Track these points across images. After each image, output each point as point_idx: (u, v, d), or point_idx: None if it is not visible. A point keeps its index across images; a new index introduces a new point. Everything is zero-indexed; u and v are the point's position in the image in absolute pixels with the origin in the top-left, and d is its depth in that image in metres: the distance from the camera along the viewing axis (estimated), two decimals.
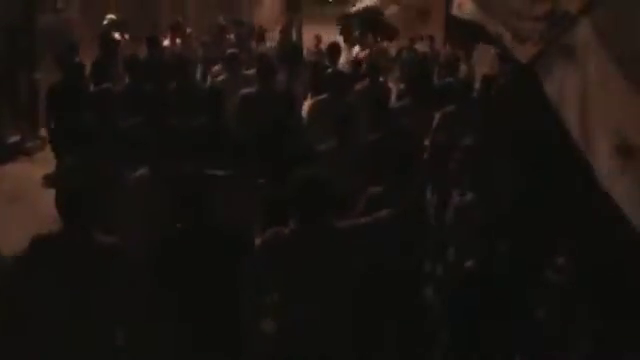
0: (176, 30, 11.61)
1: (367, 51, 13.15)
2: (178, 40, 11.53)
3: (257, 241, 4.10)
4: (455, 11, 6.40)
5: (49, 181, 8.05)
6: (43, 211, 7.22)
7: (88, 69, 8.61)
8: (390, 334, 5.06)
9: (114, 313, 4.08)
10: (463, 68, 10.10)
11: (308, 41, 14.74)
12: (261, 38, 12.49)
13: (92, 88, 8.12)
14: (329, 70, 8.86)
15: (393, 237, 4.43)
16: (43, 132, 10.07)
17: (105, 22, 11.32)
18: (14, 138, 10.16)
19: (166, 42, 11.32)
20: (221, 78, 8.60)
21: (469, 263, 4.33)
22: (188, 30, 12.71)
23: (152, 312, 4.11)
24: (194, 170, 4.54)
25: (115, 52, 9.73)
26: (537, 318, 4.42)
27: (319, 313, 3.89)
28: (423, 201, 5.49)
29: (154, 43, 9.93)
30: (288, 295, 3.96)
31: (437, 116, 7.07)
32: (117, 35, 10.94)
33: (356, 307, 4.04)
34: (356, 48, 13.78)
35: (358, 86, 8.33)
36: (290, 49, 10.40)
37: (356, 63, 10.43)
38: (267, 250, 3.95)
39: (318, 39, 13.99)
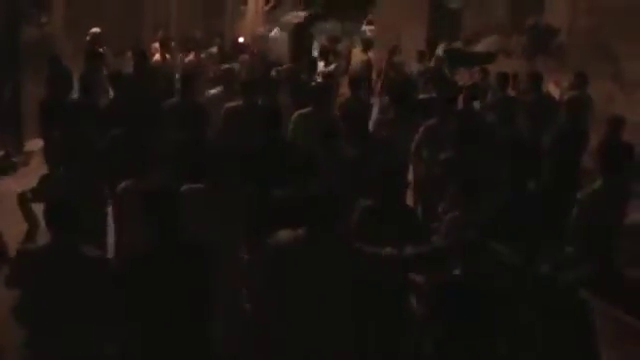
0: (164, 45, 11.65)
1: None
2: (167, 55, 11.57)
3: (268, 241, 4.13)
4: None
5: (33, 195, 8.02)
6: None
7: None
8: (373, 342, 5.11)
9: (99, 324, 4.12)
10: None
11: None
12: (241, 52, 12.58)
13: (78, 102, 8.15)
14: (312, 83, 8.95)
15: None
16: (27, 147, 10.06)
17: (88, 37, 11.31)
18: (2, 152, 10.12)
19: (157, 57, 11.37)
20: (214, 92, 8.64)
21: (456, 271, 4.36)
22: (172, 44, 12.76)
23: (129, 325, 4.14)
24: (171, 184, 4.52)
25: (100, 66, 9.77)
26: (520, 329, 4.46)
27: (317, 321, 4.00)
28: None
29: (142, 57, 9.95)
30: (289, 299, 4.03)
31: (420, 130, 7.14)
32: (100, 49, 10.94)
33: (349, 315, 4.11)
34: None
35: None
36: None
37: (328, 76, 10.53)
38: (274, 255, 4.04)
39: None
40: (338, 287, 4.04)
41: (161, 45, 11.69)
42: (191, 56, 11.80)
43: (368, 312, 4.56)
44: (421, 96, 9.29)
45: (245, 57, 12.62)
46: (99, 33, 11.30)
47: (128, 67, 10.39)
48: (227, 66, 9.41)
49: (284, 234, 4.10)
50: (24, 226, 6.45)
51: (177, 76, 9.52)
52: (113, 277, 4.11)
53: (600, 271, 4.23)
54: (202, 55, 12.17)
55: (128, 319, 4.11)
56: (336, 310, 4.07)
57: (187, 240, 4.19)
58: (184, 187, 4.94)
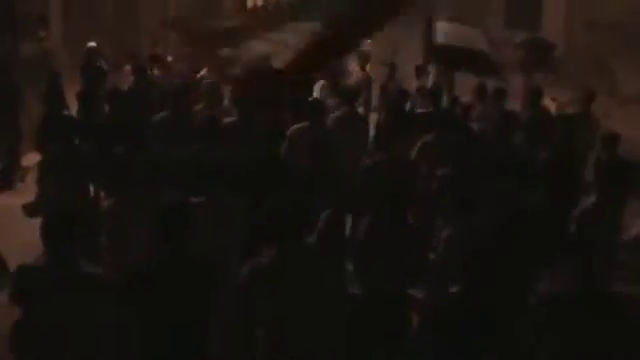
0: (155, 61, 11.63)
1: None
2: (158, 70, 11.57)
3: (239, 274, 4.12)
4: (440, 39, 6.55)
5: (29, 211, 8.03)
6: (27, 242, 7.22)
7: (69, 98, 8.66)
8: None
9: (99, 343, 4.12)
10: (445, 98, 10.20)
11: None
12: None
13: (78, 117, 8.16)
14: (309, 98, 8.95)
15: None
16: (25, 162, 10.04)
17: (85, 50, 11.31)
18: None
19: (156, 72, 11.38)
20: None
21: (454, 289, 4.36)
22: (169, 59, 12.77)
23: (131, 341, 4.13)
24: (174, 199, 4.52)
25: (100, 80, 9.77)
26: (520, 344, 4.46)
27: (311, 335, 3.99)
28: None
29: (142, 73, 9.96)
30: (278, 322, 4.03)
31: (416, 146, 7.16)
32: (98, 63, 10.96)
33: (346, 330, 4.12)
34: None
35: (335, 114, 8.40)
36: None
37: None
38: (250, 282, 4.02)
39: None
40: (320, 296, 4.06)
41: (154, 60, 11.66)
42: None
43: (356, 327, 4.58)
44: (419, 111, 9.29)
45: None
46: (95, 47, 11.31)
47: (126, 81, 10.41)
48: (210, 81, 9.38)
49: (250, 264, 4.10)
50: (22, 240, 6.47)
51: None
52: (116, 292, 4.11)
53: (581, 287, 4.22)
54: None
55: (129, 334, 4.11)
56: (329, 323, 4.08)
57: (195, 256, 4.21)
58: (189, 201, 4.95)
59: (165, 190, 5.56)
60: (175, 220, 4.14)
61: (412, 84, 12.09)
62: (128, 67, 11.07)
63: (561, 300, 4.23)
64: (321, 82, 10.49)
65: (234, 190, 5.37)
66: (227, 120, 7.52)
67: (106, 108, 8.21)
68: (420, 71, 12.60)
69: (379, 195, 5.26)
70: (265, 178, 5.93)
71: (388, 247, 4.99)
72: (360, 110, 9.97)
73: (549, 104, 11.51)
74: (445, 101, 9.91)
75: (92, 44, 11.39)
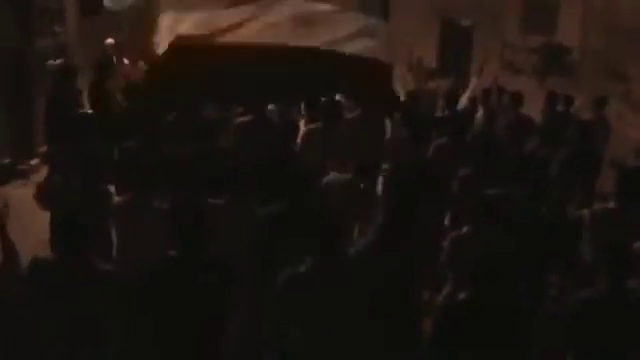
0: None
1: None
2: None
3: (277, 281, 4.14)
4: None
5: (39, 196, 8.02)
6: (39, 234, 7.22)
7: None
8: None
9: (109, 339, 4.10)
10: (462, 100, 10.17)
11: None
12: None
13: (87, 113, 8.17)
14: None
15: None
16: (37, 156, 10.08)
17: (106, 47, 11.33)
18: (9, 160, 10.14)
19: None
20: None
21: (463, 295, 4.33)
22: None
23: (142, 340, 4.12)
24: (193, 199, 4.52)
25: (109, 76, 9.77)
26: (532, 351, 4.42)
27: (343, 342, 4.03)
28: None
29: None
30: (310, 330, 4.06)
31: (431, 148, 7.13)
32: (115, 59, 10.97)
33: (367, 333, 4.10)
34: None
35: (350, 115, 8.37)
36: None
37: None
38: (288, 290, 4.06)
39: None
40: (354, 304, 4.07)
41: None
42: None
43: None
44: (436, 114, 9.28)
45: None
46: (114, 44, 11.33)
47: (139, 76, 10.40)
48: None
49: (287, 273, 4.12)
50: (33, 232, 6.47)
51: None
52: (130, 290, 4.10)
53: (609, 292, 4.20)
54: None
55: (141, 333, 4.09)
56: (361, 330, 4.11)
57: (211, 256, 4.20)
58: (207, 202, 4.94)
59: (176, 188, 5.56)
60: (191, 220, 4.14)
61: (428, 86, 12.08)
62: (142, 63, 11.09)
63: (591, 304, 4.21)
64: None
65: (248, 190, 5.35)
66: (240, 119, 7.51)
67: (123, 103, 8.21)
68: (434, 73, 12.59)
69: (397, 197, 5.24)
70: (279, 178, 5.91)
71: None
72: None
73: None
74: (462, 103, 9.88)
75: (110, 40, 11.40)
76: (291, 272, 4.11)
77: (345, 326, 4.07)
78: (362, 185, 6.20)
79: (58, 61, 10.76)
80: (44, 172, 8.85)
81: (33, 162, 10.09)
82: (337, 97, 8.15)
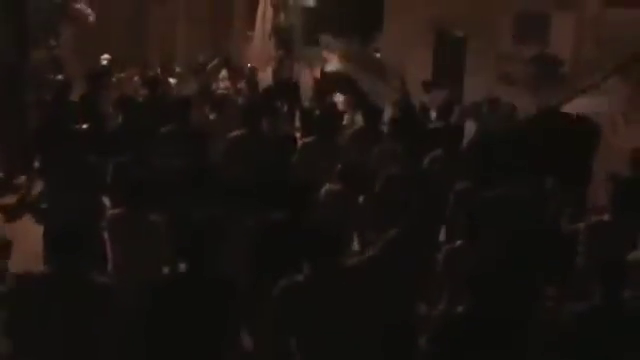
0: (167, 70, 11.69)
1: None
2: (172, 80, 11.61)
3: (274, 292, 4.11)
4: None
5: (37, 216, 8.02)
6: (33, 249, 7.20)
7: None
8: None
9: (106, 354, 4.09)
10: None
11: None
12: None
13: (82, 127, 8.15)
14: (317, 112, 8.95)
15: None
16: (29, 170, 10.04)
17: (104, 62, 11.36)
18: (2, 174, 10.12)
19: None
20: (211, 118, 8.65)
21: (460, 308, 4.32)
22: (177, 69, 12.81)
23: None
24: (197, 213, 4.50)
25: (102, 90, 9.78)
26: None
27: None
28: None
29: (154, 84, 9.96)
30: (309, 341, 4.02)
31: (427, 160, 7.12)
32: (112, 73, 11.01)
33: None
34: None
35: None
36: (287, 85, 10.49)
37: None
38: (285, 300, 4.03)
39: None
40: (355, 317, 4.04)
41: (163, 70, 11.72)
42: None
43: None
44: (431, 125, 9.28)
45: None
46: (111, 59, 11.39)
47: (133, 91, 10.44)
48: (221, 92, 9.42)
49: (285, 282, 4.10)
50: (27, 247, 6.46)
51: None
52: (128, 306, 4.09)
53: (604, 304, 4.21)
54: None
55: (141, 349, 4.08)
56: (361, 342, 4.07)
57: (213, 273, 4.18)
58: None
59: (169, 203, 5.55)
60: (194, 236, 4.13)
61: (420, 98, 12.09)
62: (137, 78, 11.13)
63: (587, 317, 4.21)
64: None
65: (243, 204, 5.34)
66: (234, 133, 7.50)
67: (119, 118, 8.20)
68: (426, 87, 12.61)
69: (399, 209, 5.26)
70: (274, 192, 5.91)
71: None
72: None
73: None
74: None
75: (107, 56, 11.45)
76: (286, 283, 4.08)
77: (343, 340, 4.04)
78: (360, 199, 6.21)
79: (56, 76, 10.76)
80: (38, 187, 8.86)
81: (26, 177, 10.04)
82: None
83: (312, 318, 4.00)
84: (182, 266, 4.12)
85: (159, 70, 11.96)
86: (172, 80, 11.65)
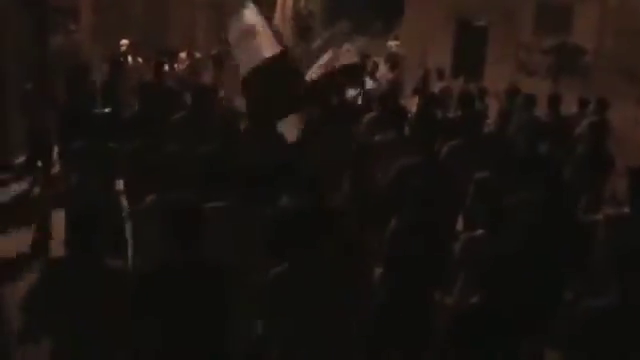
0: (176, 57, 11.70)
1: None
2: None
3: (263, 283, 4.12)
4: None
5: (57, 200, 8.05)
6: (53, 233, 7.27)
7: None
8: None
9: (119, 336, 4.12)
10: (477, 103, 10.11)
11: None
12: None
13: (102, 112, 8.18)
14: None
15: None
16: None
17: (122, 47, 11.35)
18: (22, 158, 10.18)
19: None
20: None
21: (475, 299, 4.31)
22: (197, 55, 12.79)
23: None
24: (187, 201, 4.46)
25: (122, 75, 9.79)
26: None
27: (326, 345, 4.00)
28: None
29: (159, 69, 9.95)
30: (293, 332, 4.04)
31: (444, 150, 7.08)
32: (130, 58, 11.01)
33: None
34: None
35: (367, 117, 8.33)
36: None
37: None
38: (269, 290, 4.05)
39: None
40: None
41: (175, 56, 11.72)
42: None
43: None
44: (449, 115, 9.23)
45: None
46: (130, 43, 11.38)
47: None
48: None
49: (273, 273, 4.11)
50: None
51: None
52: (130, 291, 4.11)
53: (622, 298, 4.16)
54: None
55: (142, 333, 4.10)
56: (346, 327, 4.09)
57: (206, 259, 4.16)
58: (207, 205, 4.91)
59: (178, 190, 5.54)
60: (186, 222, 4.10)
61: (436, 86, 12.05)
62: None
63: (605, 311, 4.16)
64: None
65: (250, 194, 5.32)
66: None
67: (136, 103, 8.21)
68: (441, 74, 12.54)
69: (411, 198, 5.24)
70: (281, 182, 5.90)
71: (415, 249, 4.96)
72: None
73: None
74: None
75: (126, 41, 11.45)
76: (280, 269, 4.09)
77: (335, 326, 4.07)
78: None
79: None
80: (26, 181, 8.94)
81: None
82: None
83: (292, 308, 4.01)
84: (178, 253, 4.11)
85: (169, 56, 11.88)
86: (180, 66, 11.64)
